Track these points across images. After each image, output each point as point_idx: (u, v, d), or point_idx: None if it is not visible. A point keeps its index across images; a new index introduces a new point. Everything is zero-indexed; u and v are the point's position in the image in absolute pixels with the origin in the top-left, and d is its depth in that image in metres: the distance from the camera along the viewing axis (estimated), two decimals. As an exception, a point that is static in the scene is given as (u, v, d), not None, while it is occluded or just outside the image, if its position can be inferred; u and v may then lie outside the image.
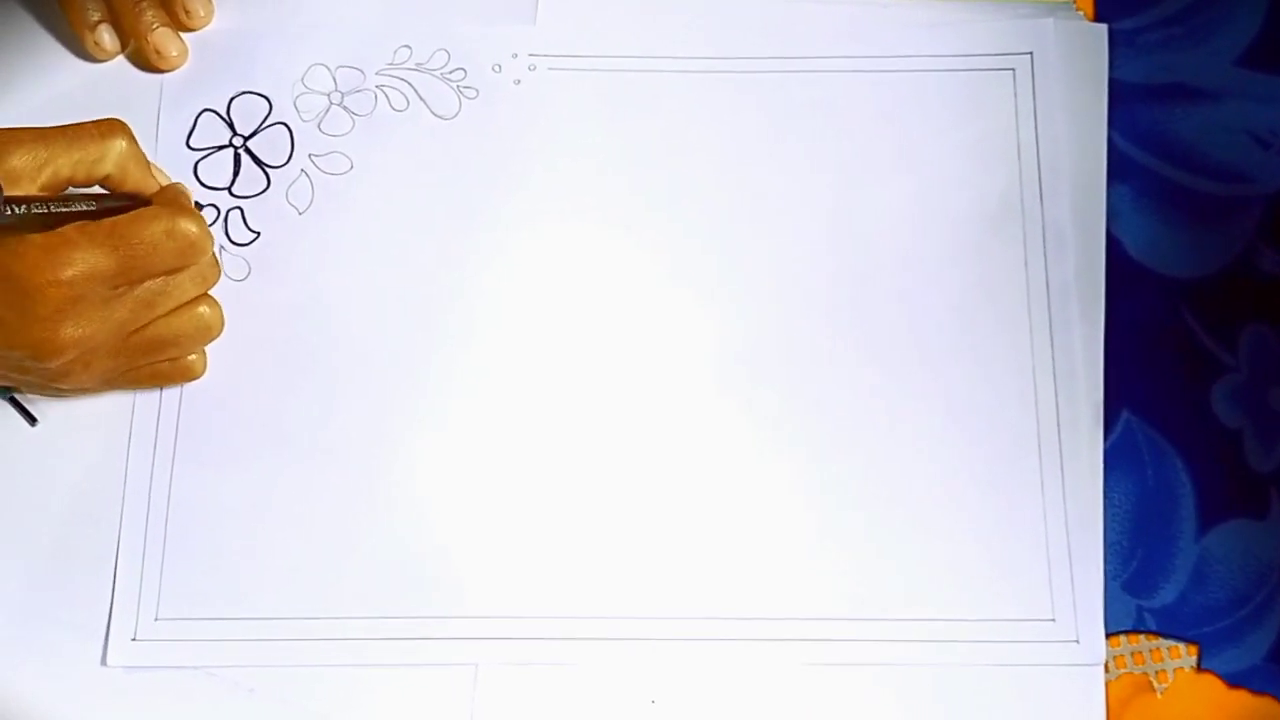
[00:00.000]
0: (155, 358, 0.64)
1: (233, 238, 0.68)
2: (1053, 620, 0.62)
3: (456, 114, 0.70)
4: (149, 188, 0.63)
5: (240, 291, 0.67)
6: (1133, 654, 0.62)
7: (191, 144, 0.69)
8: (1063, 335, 0.65)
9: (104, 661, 0.62)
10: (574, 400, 0.65)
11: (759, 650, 0.62)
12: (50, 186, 0.59)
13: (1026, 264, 0.67)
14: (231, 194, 0.69)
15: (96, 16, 0.69)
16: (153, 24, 0.69)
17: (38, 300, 0.57)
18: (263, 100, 0.70)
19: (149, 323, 0.62)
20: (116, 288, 0.59)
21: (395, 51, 0.71)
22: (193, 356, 0.65)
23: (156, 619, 0.62)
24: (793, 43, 0.71)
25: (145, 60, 0.70)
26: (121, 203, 0.61)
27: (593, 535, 0.64)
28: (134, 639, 0.62)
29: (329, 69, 0.71)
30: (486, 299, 0.67)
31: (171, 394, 0.66)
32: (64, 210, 0.58)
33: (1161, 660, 0.62)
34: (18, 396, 0.65)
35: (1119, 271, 0.66)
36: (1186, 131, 0.68)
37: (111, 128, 0.61)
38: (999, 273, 0.67)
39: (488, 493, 0.64)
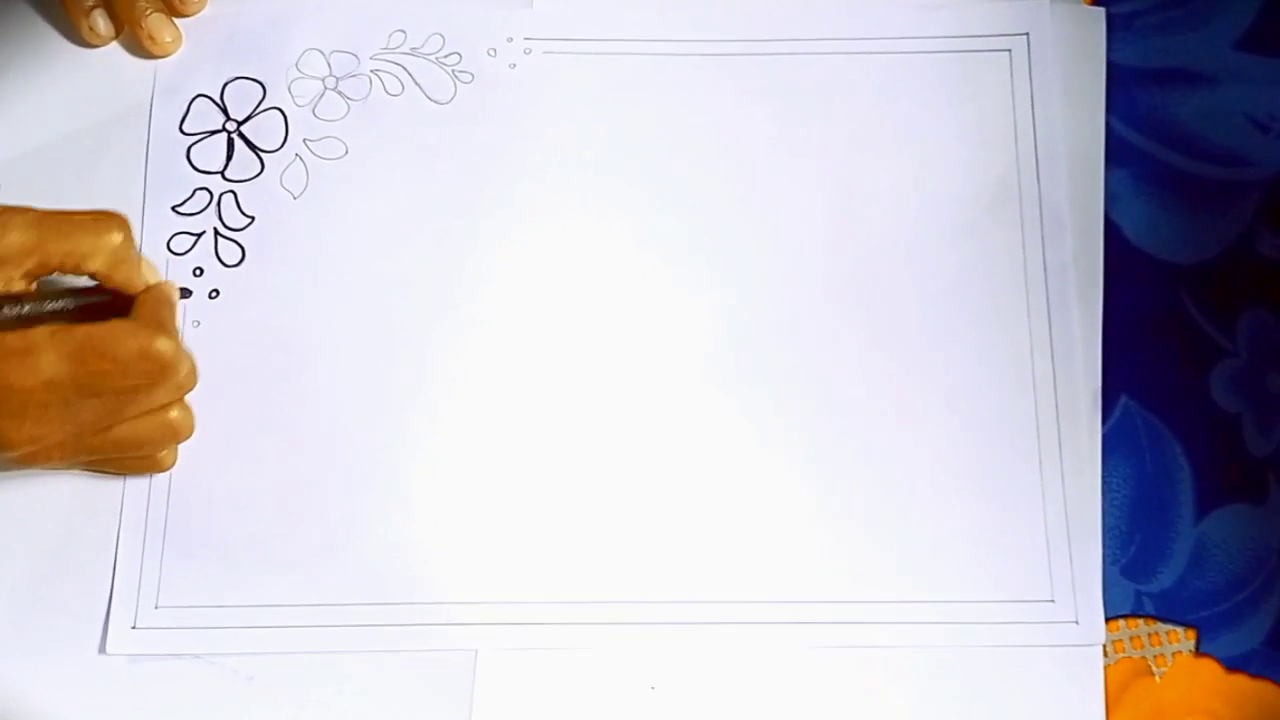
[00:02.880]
0: (119, 455, 0.62)
1: (226, 222, 0.68)
2: (1052, 601, 0.62)
3: (452, 98, 0.70)
4: (135, 286, 0.61)
5: (234, 277, 0.67)
6: (1131, 638, 0.62)
7: (185, 129, 0.69)
8: (1061, 319, 0.65)
9: (104, 649, 0.62)
10: (572, 385, 0.65)
11: (758, 634, 0.62)
12: (36, 271, 0.58)
13: (1024, 247, 0.66)
14: (224, 178, 0.69)
15: (91, 2, 0.69)
16: (147, 10, 0.69)
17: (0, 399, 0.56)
18: (257, 85, 0.70)
19: (114, 424, 0.60)
20: (82, 395, 0.58)
21: (390, 36, 0.70)
22: (176, 414, 0.62)
23: (157, 607, 0.62)
24: (789, 25, 0.70)
25: (139, 46, 0.70)
26: (103, 298, 0.60)
27: (592, 520, 0.64)
28: (134, 627, 0.62)
29: (323, 54, 0.70)
30: (483, 283, 0.67)
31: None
32: (39, 312, 0.58)
33: (1160, 644, 0.62)
34: None
35: (1117, 256, 0.66)
36: (1185, 115, 0.68)
37: (108, 223, 0.60)
38: (996, 256, 0.67)
39: (486, 478, 0.64)
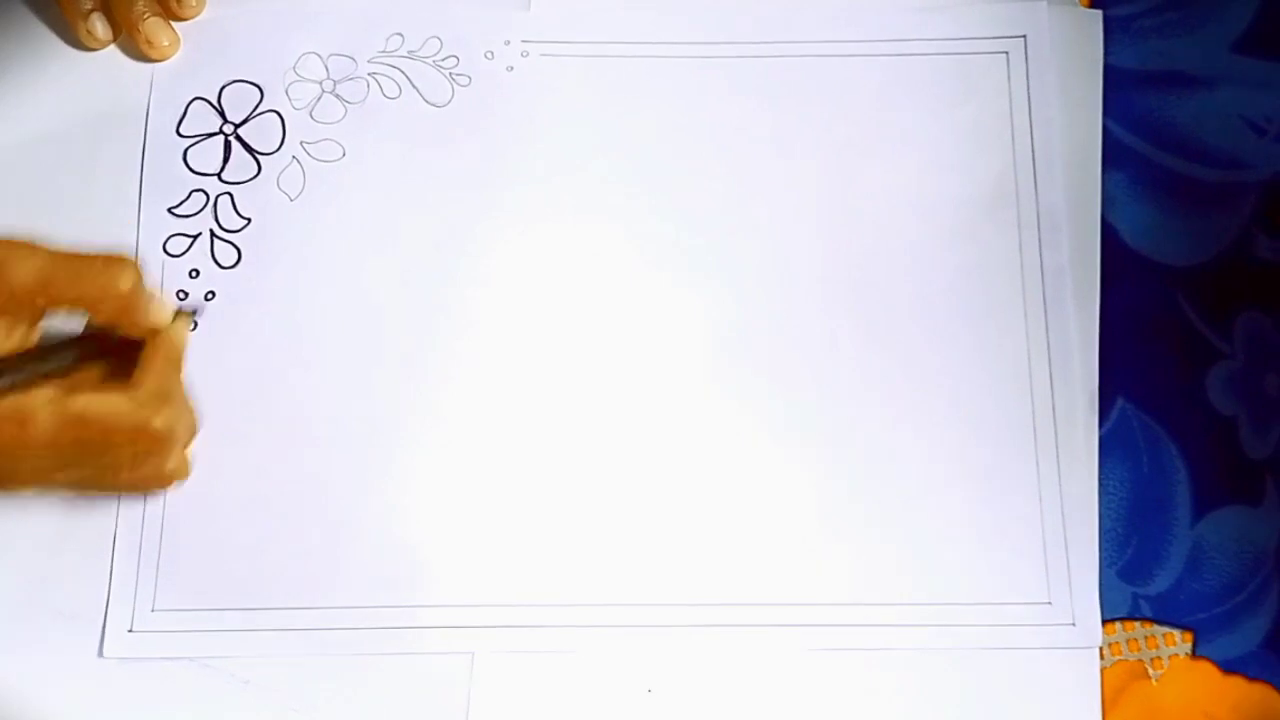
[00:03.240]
0: (120, 494, 0.63)
1: (222, 224, 0.68)
2: (1049, 603, 0.62)
3: (449, 101, 0.70)
4: (142, 331, 0.60)
5: (230, 279, 0.67)
6: (1128, 641, 0.62)
7: (181, 131, 0.69)
8: (1057, 322, 0.65)
9: (100, 653, 0.62)
10: (570, 387, 0.65)
11: (755, 637, 0.62)
12: (42, 310, 0.57)
13: (1021, 249, 0.66)
14: (221, 179, 0.68)
15: (89, 5, 0.69)
16: (144, 13, 0.69)
17: None
18: (254, 89, 0.70)
19: (110, 483, 0.61)
20: (79, 460, 0.58)
21: (387, 39, 0.70)
22: (170, 466, 0.62)
23: (153, 610, 0.62)
24: (786, 27, 0.70)
25: (136, 49, 0.70)
26: (106, 342, 0.60)
27: (589, 522, 0.63)
28: (130, 630, 0.62)
29: (321, 57, 0.70)
30: (480, 285, 0.67)
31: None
32: (39, 373, 0.57)
33: (1156, 647, 0.62)
34: None
35: (1114, 258, 0.66)
36: (1182, 118, 0.68)
37: (120, 268, 0.58)
38: (993, 258, 0.67)
39: (482, 481, 0.64)
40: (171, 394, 0.60)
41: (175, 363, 0.61)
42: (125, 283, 0.58)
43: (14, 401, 0.55)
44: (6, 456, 0.56)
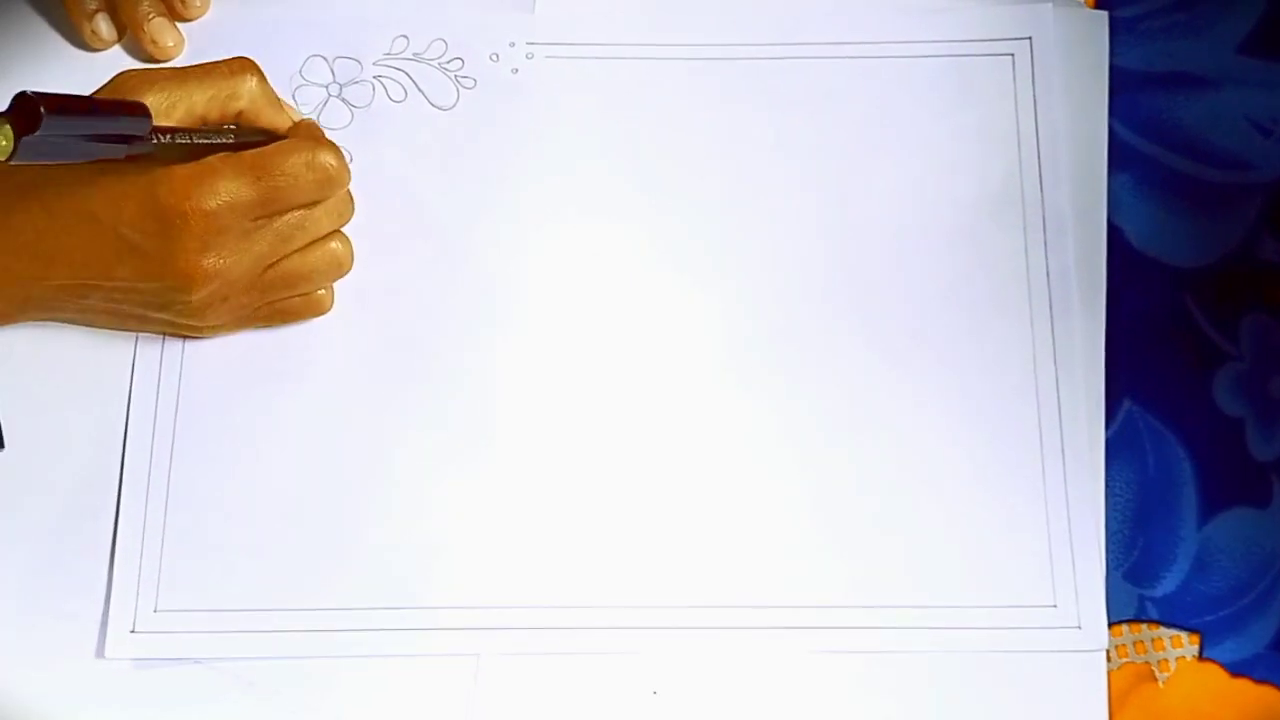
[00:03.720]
0: (289, 293, 0.65)
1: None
2: (1054, 606, 0.62)
3: (454, 104, 0.70)
4: (282, 124, 0.65)
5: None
6: (1134, 643, 0.62)
7: (188, 133, 0.69)
8: (1063, 323, 0.65)
9: (101, 653, 0.62)
10: (575, 389, 0.65)
11: (761, 638, 0.62)
12: (185, 123, 0.60)
13: (1026, 251, 0.66)
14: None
15: (94, 5, 0.69)
16: (149, 14, 0.69)
17: (182, 230, 0.58)
18: (260, 91, 0.70)
19: (285, 257, 0.63)
20: (257, 220, 0.60)
21: (393, 41, 0.71)
22: (322, 291, 0.66)
23: (155, 610, 0.62)
24: (791, 29, 0.70)
25: (141, 50, 0.70)
26: (257, 137, 0.62)
27: (593, 524, 0.63)
28: (133, 631, 0.62)
29: (326, 60, 0.70)
30: (485, 287, 0.67)
31: (169, 382, 0.65)
32: (205, 142, 0.59)
33: (1163, 649, 0.62)
34: None
35: (1120, 260, 0.66)
36: (1188, 119, 0.68)
37: (243, 65, 0.63)
38: (999, 260, 0.66)
39: (488, 482, 0.64)
40: (329, 143, 0.64)
41: (320, 132, 0.66)
42: (252, 78, 0.63)
43: (190, 164, 0.59)
44: (197, 218, 0.58)
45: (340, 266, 0.66)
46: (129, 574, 0.63)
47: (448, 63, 0.70)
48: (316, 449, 0.65)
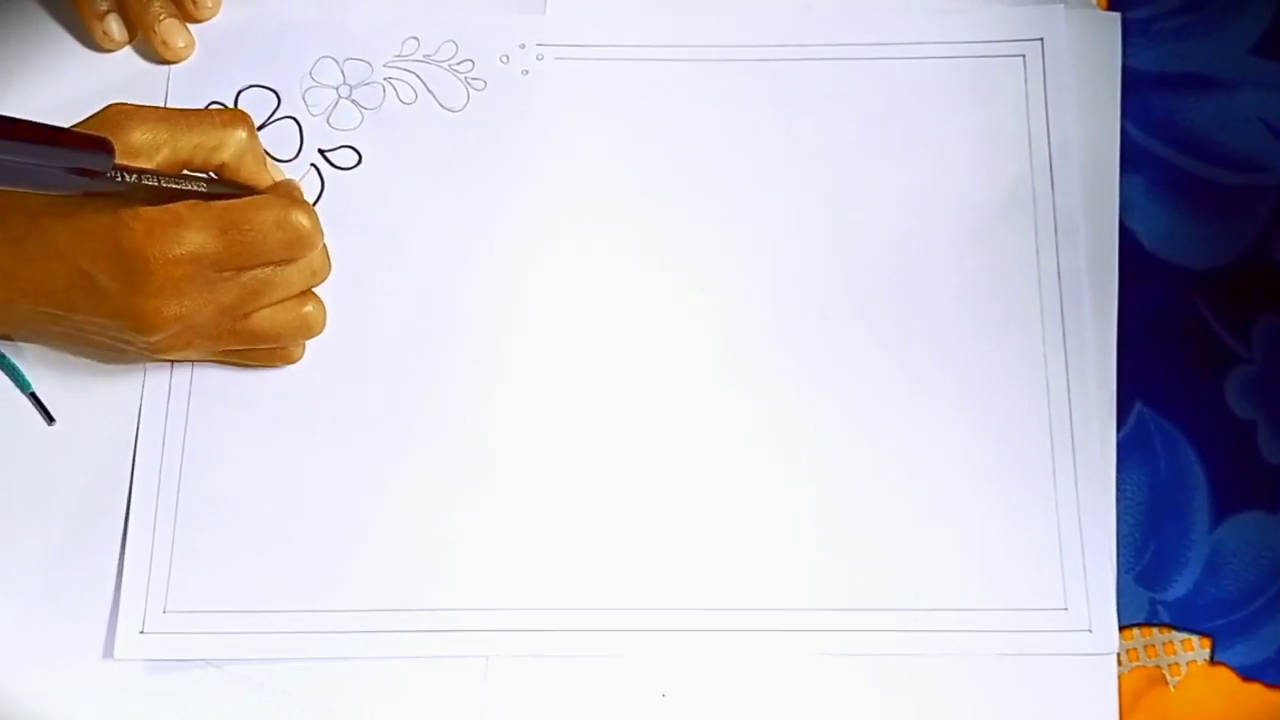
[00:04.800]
0: (257, 345, 0.64)
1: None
2: (1065, 609, 0.62)
3: (465, 106, 0.70)
4: (262, 182, 0.64)
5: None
6: (1145, 647, 0.62)
7: (199, 136, 0.69)
8: (1075, 325, 0.65)
9: (110, 654, 0.62)
10: (583, 392, 0.65)
11: (770, 641, 0.62)
12: (166, 167, 0.60)
13: (1038, 253, 0.66)
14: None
15: (105, 6, 0.70)
16: (160, 15, 0.69)
17: (144, 274, 0.57)
18: (271, 94, 0.70)
19: (252, 312, 0.62)
20: (222, 272, 0.60)
21: (403, 43, 0.71)
22: (309, 308, 0.65)
23: (165, 611, 0.62)
24: (802, 30, 0.70)
25: (152, 51, 0.70)
26: (233, 190, 0.62)
27: (602, 527, 0.63)
28: (142, 632, 0.62)
29: (337, 62, 0.70)
30: (495, 289, 0.67)
31: (180, 386, 0.65)
32: (174, 187, 0.59)
33: (1174, 653, 0.62)
34: (37, 393, 0.65)
35: (1132, 262, 0.66)
36: (1200, 121, 0.68)
37: (235, 118, 0.62)
38: (1010, 262, 0.66)
39: (497, 484, 0.64)
40: (304, 203, 0.63)
41: (299, 193, 0.64)
42: (241, 131, 0.62)
43: (160, 208, 0.58)
44: (161, 265, 0.57)
45: (309, 329, 0.65)
46: (138, 575, 0.63)
47: (458, 64, 0.70)
48: (326, 450, 0.65)
